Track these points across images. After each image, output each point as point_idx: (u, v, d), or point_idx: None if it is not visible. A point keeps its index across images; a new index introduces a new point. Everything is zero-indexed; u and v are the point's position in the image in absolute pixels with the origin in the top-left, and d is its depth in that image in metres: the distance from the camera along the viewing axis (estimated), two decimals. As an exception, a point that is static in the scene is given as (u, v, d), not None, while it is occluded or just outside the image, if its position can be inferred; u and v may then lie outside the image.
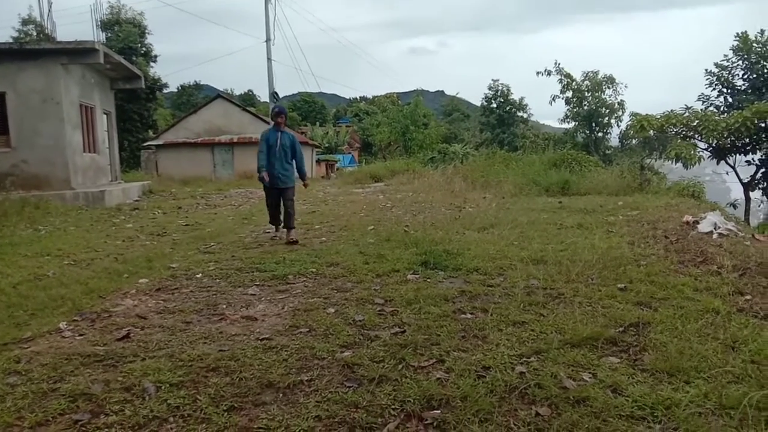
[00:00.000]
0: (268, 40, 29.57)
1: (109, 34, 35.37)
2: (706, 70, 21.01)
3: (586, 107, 33.55)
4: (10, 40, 26.82)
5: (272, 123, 8.29)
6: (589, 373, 3.20)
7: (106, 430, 2.70)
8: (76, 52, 14.78)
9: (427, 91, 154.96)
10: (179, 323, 4.35)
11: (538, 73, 33.23)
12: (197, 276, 5.94)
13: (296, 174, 8.37)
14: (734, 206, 17.41)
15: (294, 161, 8.23)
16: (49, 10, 30.41)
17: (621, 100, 33.52)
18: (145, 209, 13.73)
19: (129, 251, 7.60)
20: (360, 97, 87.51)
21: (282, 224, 8.32)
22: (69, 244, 8.20)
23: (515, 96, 48.92)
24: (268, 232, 8.82)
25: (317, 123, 57.79)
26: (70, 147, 14.91)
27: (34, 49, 14.88)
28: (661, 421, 2.67)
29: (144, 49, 36.53)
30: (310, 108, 68.78)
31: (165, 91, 44.55)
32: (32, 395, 3.09)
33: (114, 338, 4.00)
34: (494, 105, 48.80)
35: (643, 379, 3.11)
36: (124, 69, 18.00)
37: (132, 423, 2.75)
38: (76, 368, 3.45)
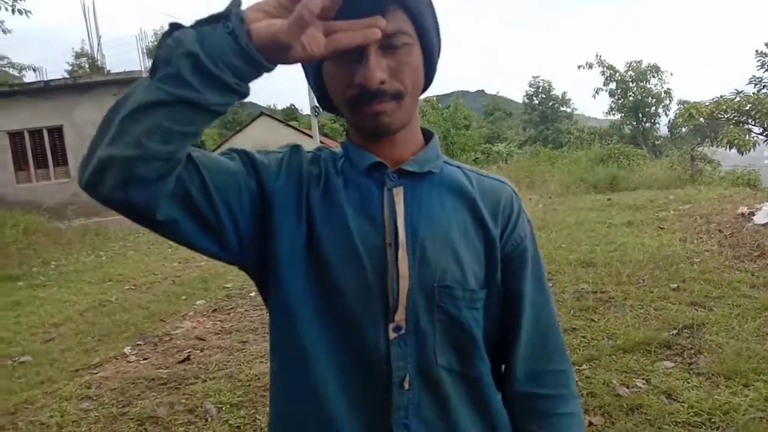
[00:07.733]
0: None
1: (155, 61, 36.63)
2: (757, 51, 20.15)
3: (631, 98, 32.62)
4: (65, 75, 28.13)
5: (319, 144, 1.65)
6: (643, 379, 3.17)
7: (174, 451, 2.85)
8: (125, 82, 15.39)
9: (468, 91, 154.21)
10: (236, 343, 4.52)
11: (579, 66, 32.57)
12: (251, 295, 6.12)
13: None
14: (795, 192, 16.65)
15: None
16: (99, 43, 31.88)
17: (667, 88, 32.46)
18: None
19: (185, 273, 7.88)
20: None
21: None
22: (129, 269, 8.56)
23: (557, 91, 48.16)
24: None
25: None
26: (125, 173, 15.54)
27: (87, 82, 15.67)
28: (719, 427, 2.64)
29: (189, 72, 37.66)
30: (350, 118, 69.04)
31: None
32: (104, 419, 3.29)
33: (176, 361, 4.19)
34: (536, 101, 48.16)
35: (698, 383, 3.06)
36: (171, 94, 18.69)
37: (197, 444, 2.90)
38: (142, 392, 3.63)
